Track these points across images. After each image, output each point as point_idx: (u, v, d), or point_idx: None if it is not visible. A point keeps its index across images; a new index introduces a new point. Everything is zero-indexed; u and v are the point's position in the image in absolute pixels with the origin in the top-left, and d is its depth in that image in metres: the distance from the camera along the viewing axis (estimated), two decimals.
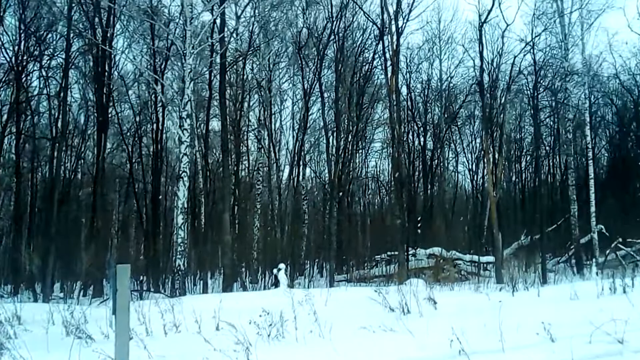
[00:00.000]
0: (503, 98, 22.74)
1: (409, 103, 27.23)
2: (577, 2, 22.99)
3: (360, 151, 28.93)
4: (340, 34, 22.79)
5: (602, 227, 22.25)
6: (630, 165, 27.09)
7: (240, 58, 22.51)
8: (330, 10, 22.51)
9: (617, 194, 26.76)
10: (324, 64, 23.48)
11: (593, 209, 22.24)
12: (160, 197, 24.00)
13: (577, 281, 14.83)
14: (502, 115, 23.20)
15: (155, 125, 23.05)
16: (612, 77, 26.79)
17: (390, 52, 20.22)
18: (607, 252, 21.10)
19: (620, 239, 21.18)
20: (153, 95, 22.68)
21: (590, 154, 23.70)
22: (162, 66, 21.99)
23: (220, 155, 21.38)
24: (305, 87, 24.39)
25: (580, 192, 23.73)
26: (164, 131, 23.81)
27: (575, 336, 6.02)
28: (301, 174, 26.74)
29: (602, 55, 25.29)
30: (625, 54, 26.70)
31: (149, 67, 21.51)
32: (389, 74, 20.34)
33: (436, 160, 27.80)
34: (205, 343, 6.00)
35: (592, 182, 22.71)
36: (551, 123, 24.61)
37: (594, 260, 20.85)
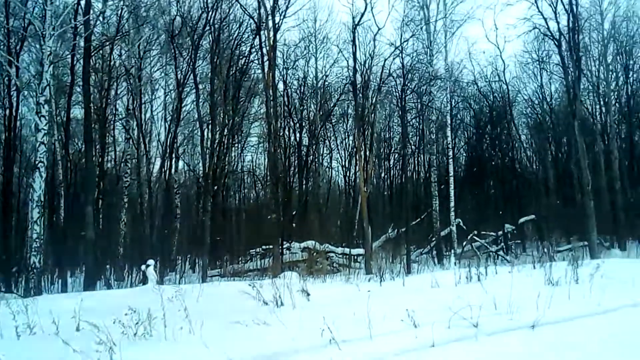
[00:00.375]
0: (374, 98, 23.70)
1: (286, 99, 27.43)
2: (441, 11, 24.71)
3: (236, 145, 28.60)
4: (216, 26, 22.23)
5: (460, 220, 24.08)
6: (484, 165, 29.64)
7: (107, 43, 21.12)
8: (205, 0, 21.91)
9: (473, 190, 29.17)
10: (198, 54, 22.76)
11: (452, 204, 23.99)
12: (13, 189, 21.84)
13: (438, 271, 15.83)
14: (373, 115, 24.18)
15: (8, 110, 20.91)
16: (470, 83, 29.16)
17: (267, 48, 20.18)
18: (464, 243, 22.92)
19: (476, 232, 23.12)
20: (6, 78, 20.55)
21: (450, 153, 25.54)
22: (18, 47, 19.96)
23: (83, 145, 19.89)
24: (179, 78, 23.48)
25: (442, 188, 25.50)
26: (18, 117, 21.69)
27: (436, 322, 6.38)
28: (173, 166, 25.81)
29: (462, 63, 27.59)
30: (483, 62, 29.31)
31: (2, 47, 19.42)
32: (266, 69, 20.30)
33: (311, 156, 28.29)
34: (64, 345, 5.53)
35: (451, 179, 24.47)
36: (417, 124, 26.10)
37: (452, 251, 22.56)
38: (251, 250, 22.43)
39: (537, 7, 21.71)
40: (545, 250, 19.56)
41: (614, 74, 28.81)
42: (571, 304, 7.92)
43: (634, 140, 29.51)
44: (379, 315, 6.86)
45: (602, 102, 29.10)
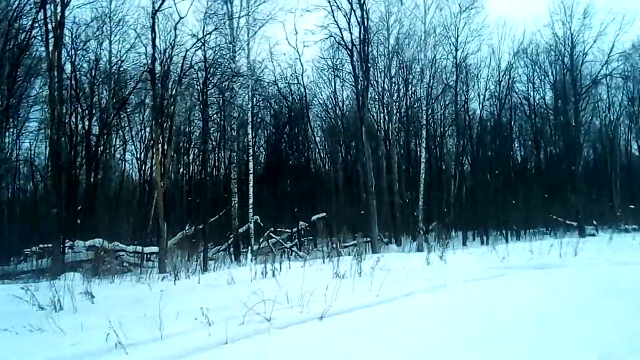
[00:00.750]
0: (174, 90, 22.84)
1: (74, 82, 24.95)
2: (245, 8, 24.85)
3: (10, 130, 25.15)
4: None
5: (258, 217, 24.55)
6: (282, 164, 30.69)
7: None
8: None
9: (271, 188, 30.03)
10: None
11: (251, 201, 24.32)
12: None
13: (235, 267, 15.93)
14: (172, 107, 23.30)
15: None
16: (271, 83, 29.93)
17: (53, 24, 18.11)
18: (261, 240, 23.44)
19: (272, 229, 23.81)
20: None
21: (251, 151, 25.88)
22: None
23: None
24: None
25: (241, 185, 25.70)
26: None
27: (231, 318, 6.36)
28: None
29: (264, 62, 28.01)
30: (283, 64, 30.25)
31: None
32: (51, 48, 18.20)
33: (102, 147, 26.21)
34: None
35: (251, 177, 24.82)
36: (218, 119, 25.91)
37: (249, 247, 22.88)
38: (26, 250, 19.95)
39: (334, 17, 23.25)
40: (334, 245, 20.95)
41: (397, 86, 32.21)
42: (355, 295, 8.53)
43: (410, 147, 33.30)
44: (172, 315, 6.64)
45: (385, 111, 32.27)
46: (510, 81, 33.77)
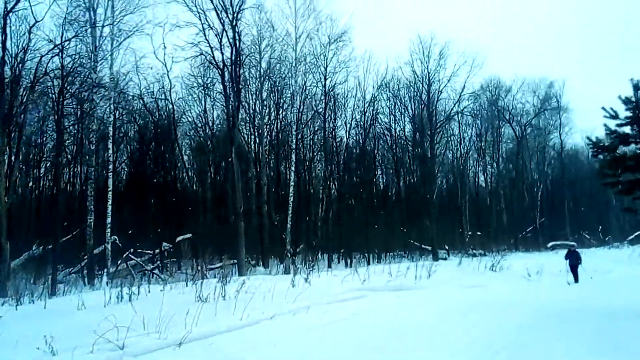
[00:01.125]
0: (25, 97, 20.97)
1: None
2: (109, 17, 23.52)
3: None
4: None
5: (116, 238, 23.07)
6: (146, 182, 29.28)
7: None
8: None
9: (133, 207, 28.45)
10: None
11: (109, 220, 22.79)
12: None
13: (88, 291, 14.85)
14: (23, 116, 21.34)
15: None
16: (137, 97, 28.54)
17: None
18: (119, 262, 22.04)
19: (132, 250, 22.51)
20: None
21: (111, 167, 24.35)
22: None
23: None
24: None
25: (99, 203, 24.05)
26: None
27: (79, 346, 5.90)
28: None
29: (129, 75, 26.51)
30: (150, 78, 29.07)
31: None
32: None
33: None
34: None
35: (110, 194, 23.29)
36: (75, 131, 24.10)
37: (105, 270, 21.39)
38: None
39: (205, 35, 22.91)
40: (199, 268, 20.30)
41: (268, 109, 32.52)
42: (218, 320, 8.31)
43: (280, 169, 33.65)
44: (10, 344, 6.04)
45: (256, 133, 32.36)
46: (374, 112, 35.80)
